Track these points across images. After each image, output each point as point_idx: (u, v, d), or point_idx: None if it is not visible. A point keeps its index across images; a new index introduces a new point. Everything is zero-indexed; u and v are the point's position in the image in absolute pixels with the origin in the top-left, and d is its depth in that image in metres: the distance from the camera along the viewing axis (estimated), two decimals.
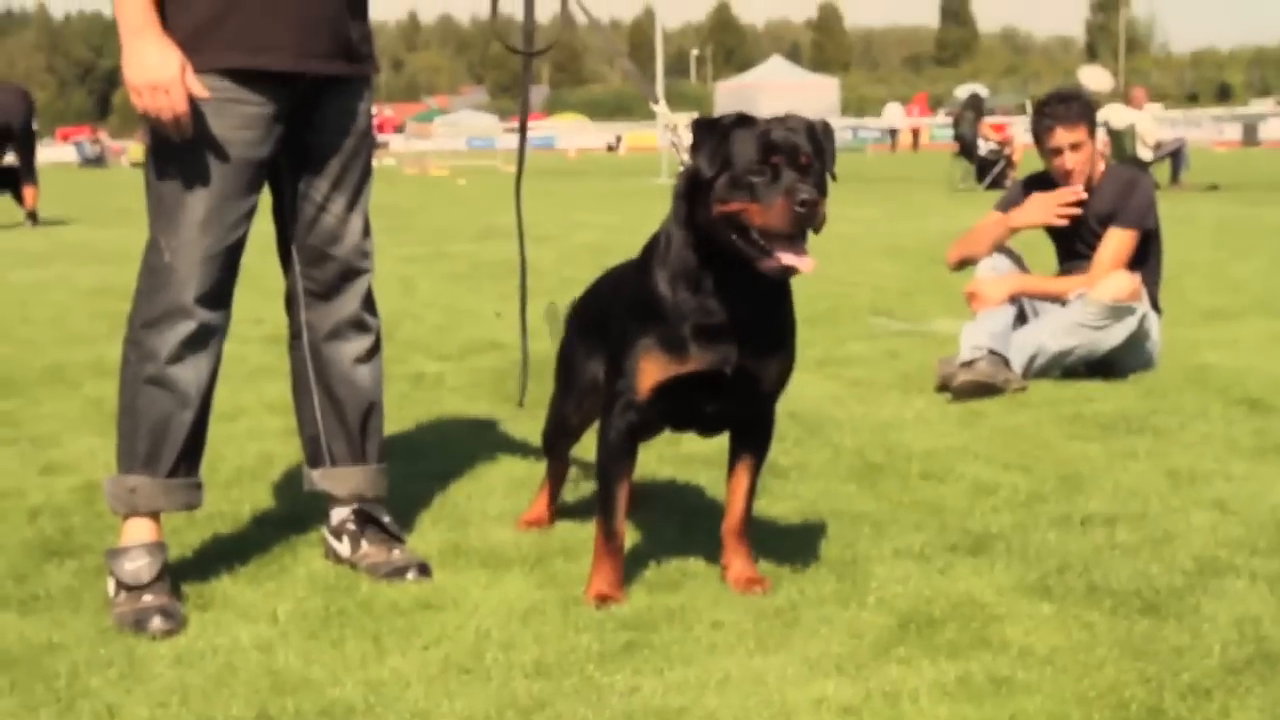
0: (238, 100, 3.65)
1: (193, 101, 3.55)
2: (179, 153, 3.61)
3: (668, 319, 3.55)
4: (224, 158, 3.64)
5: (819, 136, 3.52)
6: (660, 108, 4.20)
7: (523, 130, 4.50)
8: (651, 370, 3.58)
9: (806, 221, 3.36)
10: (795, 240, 3.39)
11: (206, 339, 3.71)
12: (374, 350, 4.05)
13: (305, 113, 3.80)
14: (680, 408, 3.69)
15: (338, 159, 3.89)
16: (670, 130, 3.94)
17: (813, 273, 3.45)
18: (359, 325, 4.00)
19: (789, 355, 3.72)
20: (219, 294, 3.72)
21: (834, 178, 3.54)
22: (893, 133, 59.53)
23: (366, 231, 3.98)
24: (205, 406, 3.78)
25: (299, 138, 3.82)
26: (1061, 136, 6.73)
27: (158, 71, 3.51)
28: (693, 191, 3.50)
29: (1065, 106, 6.82)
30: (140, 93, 3.52)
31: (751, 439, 3.80)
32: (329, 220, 3.90)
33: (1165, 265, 7.07)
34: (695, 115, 3.70)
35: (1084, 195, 6.70)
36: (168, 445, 3.70)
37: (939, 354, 6.69)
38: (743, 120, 3.49)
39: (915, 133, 58.13)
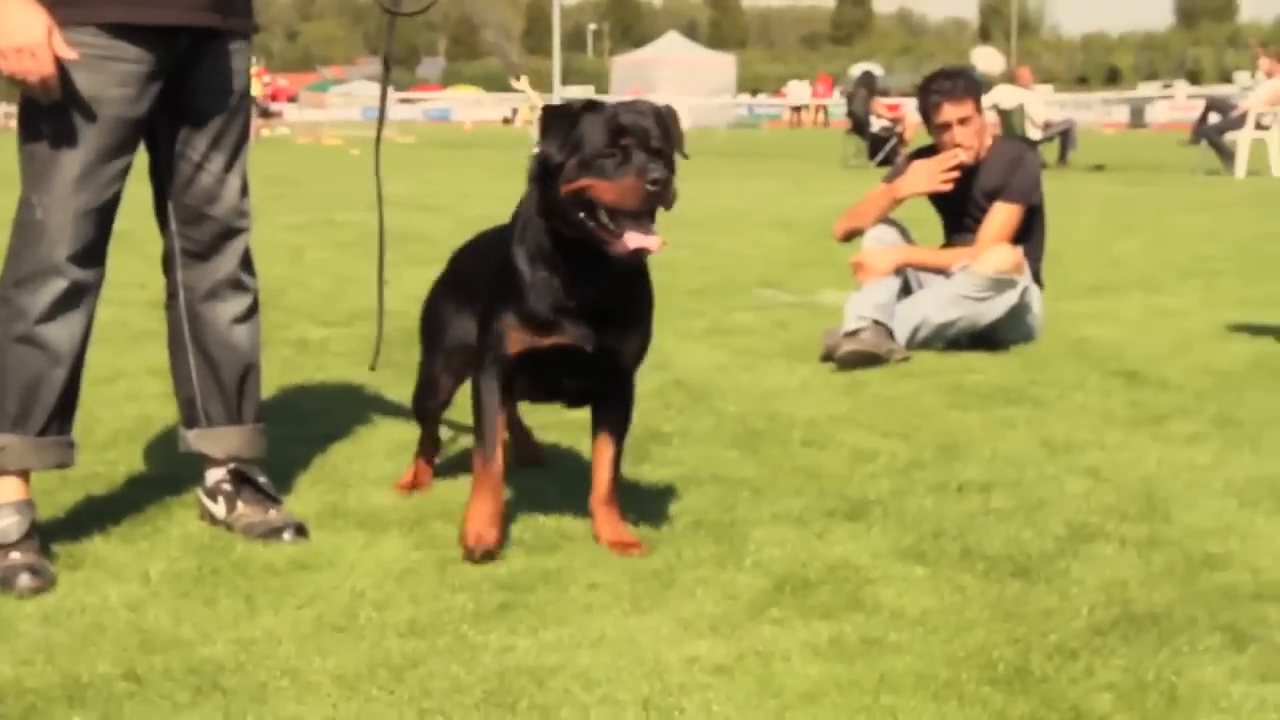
0: (114, 57, 3.58)
1: (66, 58, 3.49)
2: (52, 110, 3.53)
3: (528, 297, 3.65)
4: (98, 115, 3.57)
5: (666, 120, 3.58)
6: (522, 84, 4.22)
7: (383, 95, 4.56)
8: (514, 341, 3.68)
9: (658, 199, 3.44)
10: (643, 220, 3.47)
11: (79, 297, 3.64)
12: (251, 311, 4.00)
13: (184, 70, 3.74)
14: (540, 380, 3.83)
15: (217, 118, 3.83)
16: (530, 108, 3.94)
17: (659, 251, 3.49)
18: (236, 285, 3.95)
19: (645, 332, 3.83)
20: (92, 252, 3.65)
21: (685, 156, 3.62)
22: (797, 109, 59.87)
23: (244, 191, 3.93)
24: (78, 365, 3.71)
25: (177, 96, 3.75)
26: (949, 111, 6.77)
27: (22, 34, 3.41)
28: (545, 176, 3.58)
29: (951, 82, 6.87)
30: (5, 56, 3.42)
31: (612, 412, 3.86)
32: (206, 179, 3.84)
33: (1050, 241, 7.15)
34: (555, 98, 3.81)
35: (963, 159, 6.74)
36: (39, 404, 3.63)
37: (825, 325, 6.72)
38: (591, 106, 3.59)
39: (822, 109, 58.46)
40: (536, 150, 3.64)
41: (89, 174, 3.58)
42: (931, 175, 6.77)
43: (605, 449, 3.84)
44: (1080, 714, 2.73)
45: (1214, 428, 5.07)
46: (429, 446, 4.36)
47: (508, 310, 3.68)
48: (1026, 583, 3.46)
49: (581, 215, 3.50)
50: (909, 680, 2.88)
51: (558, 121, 3.56)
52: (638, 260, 3.56)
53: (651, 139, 3.49)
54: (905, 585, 3.45)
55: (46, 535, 3.66)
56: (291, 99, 66.76)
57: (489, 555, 3.63)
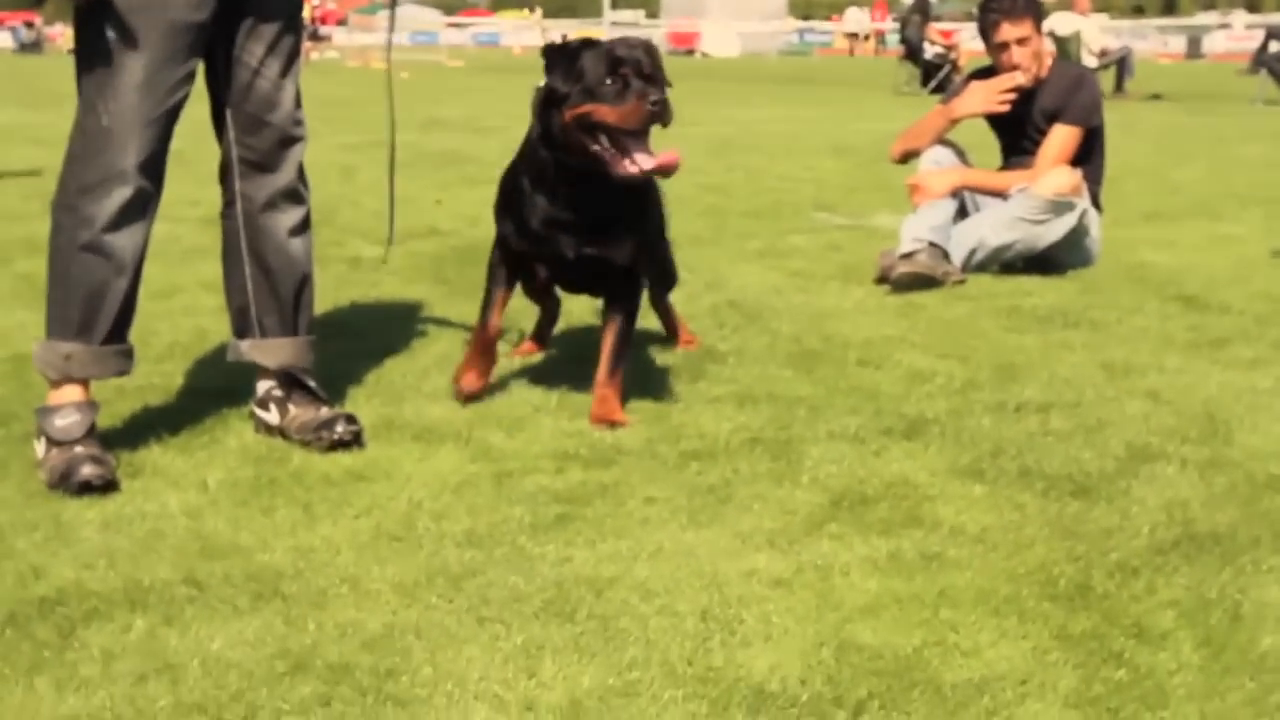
0: None
1: None
2: (115, 15, 3.52)
3: (524, 211, 4.14)
4: (163, 20, 3.56)
5: (655, 52, 4.01)
6: (536, 16, 4.43)
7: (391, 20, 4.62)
8: (508, 244, 4.24)
9: (658, 118, 3.84)
10: (643, 139, 3.90)
11: (143, 206, 3.64)
12: (307, 222, 4.01)
13: None
14: (540, 274, 4.35)
15: (273, 23, 3.82)
16: (542, 29, 4.19)
17: (677, 166, 3.93)
18: (293, 195, 3.95)
19: (636, 244, 4.21)
20: (156, 161, 3.65)
21: (670, 84, 3.98)
22: (853, 36, 59.20)
23: (299, 100, 3.93)
24: (138, 275, 3.72)
25: (234, 1, 3.74)
26: (1007, 31, 6.69)
27: None
28: (548, 108, 4.00)
29: (1011, 1, 6.79)
30: None
31: (614, 305, 4.26)
32: (264, 85, 3.84)
33: (1108, 168, 7.06)
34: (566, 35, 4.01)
35: (1023, 81, 6.67)
36: (103, 313, 3.65)
37: (880, 247, 6.68)
38: (589, 43, 4.00)
39: (879, 36, 57.67)
40: (541, 84, 4.04)
41: (153, 79, 3.57)
42: (988, 96, 6.71)
43: (607, 339, 4.21)
44: (1143, 630, 2.71)
45: (1275, 352, 5.02)
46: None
47: (507, 219, 4.22)
48: (1086, 502, 3.44)
49: (585, 139, 3.91)
50: (969, 595, 2.87)
51: (561, 57, 3.97)
52: (650, 178, 4.00)
53: (644, 68, 3.89)
54: (964, 503, 3.44)
55: (106, 443, 3.67)
56: (340, 22, 66.61)
57: (472, 397, 4.23)
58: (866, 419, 4.14)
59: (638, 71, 3.89)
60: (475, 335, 4.31)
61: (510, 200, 4.22)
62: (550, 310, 4.98)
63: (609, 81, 3.88)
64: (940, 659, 2.60)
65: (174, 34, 3.58)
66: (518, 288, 4.44)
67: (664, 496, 3.47)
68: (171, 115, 3.65)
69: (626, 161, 3.89)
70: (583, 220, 4.09)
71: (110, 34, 3.54)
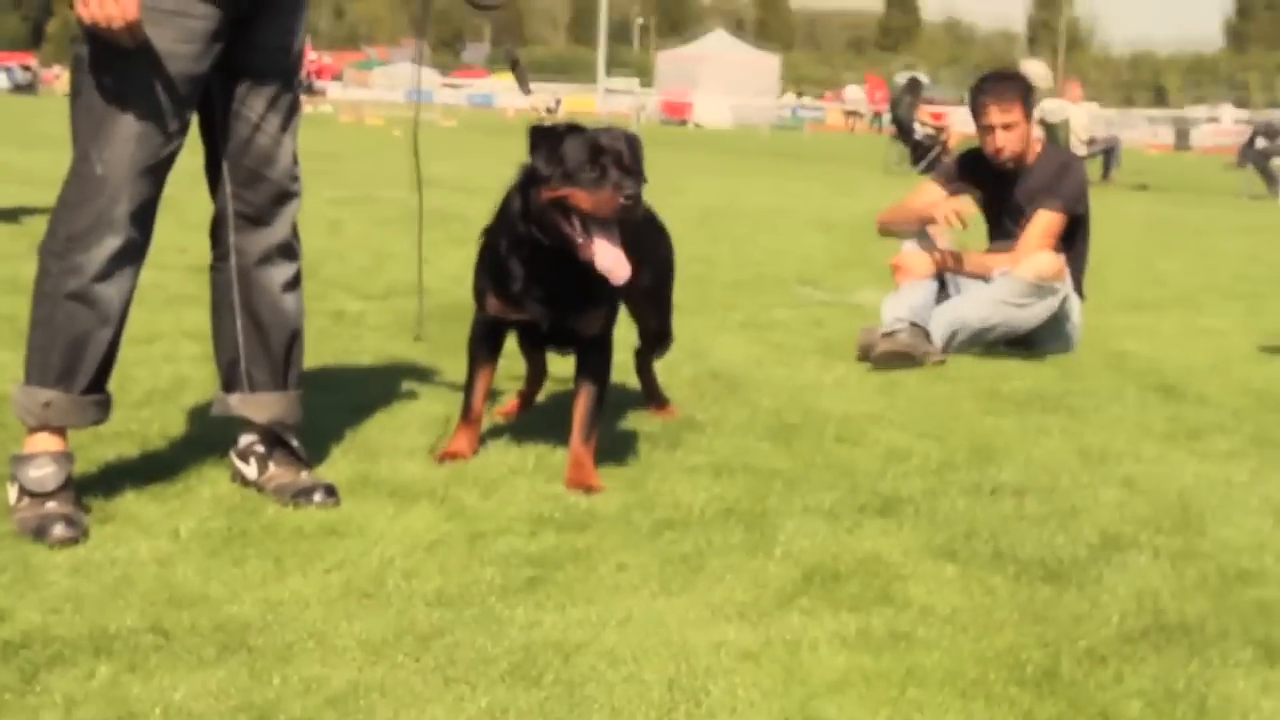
0: (181, 13, 3.57)
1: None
2: (117, 64, 3.52)
3: (501, 278, 4.25)
4: (163, 70, 3.56)
5: (636, 145, 4.09)
6: (531, 99, 4.54)
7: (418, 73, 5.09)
8: (487, 308, 4.34)
9: (629, 212, 3.97)
10: (611, 229, 4.01)
11: (131, 256, 3.63)
12: (299, 278, 4.01)
13: (245, 28, 3.74)
14: (521, 336, 4.52)
15: (275, 79, 3.83)
16: (541, 110, 4.30)
17: (624, 279, 4.00)
18: (288, 251, 3.95)
19: (604, 313, 4.32)
20: (147, 211, 3.64)
21: (645, 180, 4.07)
22: (852, 114, 59.36)
23: (297, 156, 3.93)
24: (122, 325, 3.70)
25: (236, 54, 3.75)
26: (995, 115, 6.75)
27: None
28: (529, 186, 4.10)
29: (1002, 84, 6.86)
30: (87, 3, 3.40)
31: (585, 370, 4.34)
32: (264, 140, 3.84)
33: (1092, 255, 7.12)
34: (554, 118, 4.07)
35: (956, 227, 6.64)
36: (85, 362, 3.63)
37: (862, 324, 6.70)
38: (574, 129, 4.09)
39: (876, 114, 57.50)
40: (525, 162, 4.14)
41: (149, 129, 3.57)
42: (948, 211, 6.63)
43: (580, 404, 4.28)
44: (1109, 719, 2.71)
45: (1252, 446, 5.04)
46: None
47: (487, 281, 4.32)
48: (1058, 587, 3.44)
49: (559, 220, 4.02)
50: (936, 676, 2.86)
51: (546, 139, 4.05)
52: (610, 278, 4.02)
53: (625, 159, 3.99)
54: (935, 583, 3.43)
55: (79, 489, 3.66)
56: (336, 77, 66.91)
57: (457, 458, 4.29)
58: (842, 495, 4.14)
59: (617, 162, 3.98)
60: (460, 419, 4.39)
61: (488, 262, 4.32)
62: (538, 369, 5.02)
63: (588, 169, 3.97)
64: None
65: (174, 85, 3.59)
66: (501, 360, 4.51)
67: (636, 564, 3.46)
68: (165, 165, 3.65)
69: (588, 246, 3.99)
70: (556, 290, 4.19)
71: (108, 82, 3.54)
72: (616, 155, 4.00)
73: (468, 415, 4.38)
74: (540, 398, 5.07)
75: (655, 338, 5.10)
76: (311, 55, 42.02)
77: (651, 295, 4.93)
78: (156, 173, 3.63)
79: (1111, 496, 4.28)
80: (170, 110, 3.60)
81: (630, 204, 3.95)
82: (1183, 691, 2.85)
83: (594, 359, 4.34)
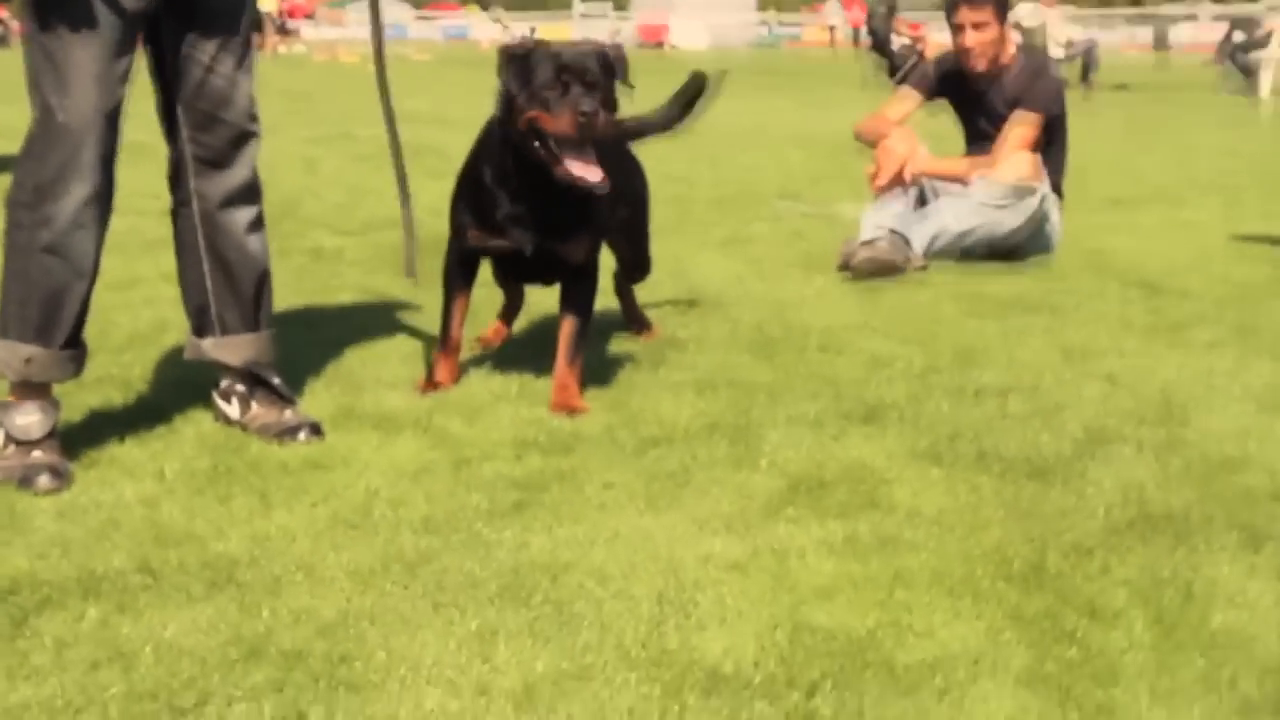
0: None
1: None
2: (65, 8, 3.47)
3: (483, 203, 4.21)
4: (109, 9, 3.50)
5: (607, 59, 4.06)
6: (497, 12, 4.37)
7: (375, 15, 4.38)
8: (467, 237, 4.30)
9: (587, 129, 3.92)
10: (582, 147, 3.98)
11: (101, 203, 3.58)
12: (262, 218, 3.96)
13: None
14: (500, 267, 4.57)
15: (224, 18, 3.76)
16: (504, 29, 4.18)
17: (600, 185, 3.95)
18: (250, 192, 3.89)
19: (589, 239, 4.29)
20: (110, 157, 3.59)
21: (631, 86, 4.11)
22: (832, 29, 58.88)
23: (254, 96, 3.87)
24: (94, 276, 3.65)
25: None
26: (965, 14, 6.71)
27: None
28: (506, 107, 4.08)
29: None
30: None
31: (570, 298, 4.32)
32: (218, 82, 3.77)
33: (1072, 158, 7.10)
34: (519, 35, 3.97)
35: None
36: (63, 316, 3.58)
37: (843, 236, 6.69)
38: (541, 47, 4.06)
39: (857, 28, 56.83)
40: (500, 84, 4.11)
41: (105, 72, 3.51)
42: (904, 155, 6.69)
43: (564, 329, 4.26)
44: (1096, 609, 2.72)
45: (1233, 335, 5.05)
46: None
47: (468, 211, 4.28)
48: (1043, 484, 3.45)
49: (535, 141, 4.00)
50: (924, 577, 2.88)
51: (514, 61, 4.04)
52: (577, 186, 3.97)
53: (588, 75, 3.96)
54: (921, 486, 3.44)
55: (64, 435, 3.65)
56: (309, 16, 66.44)
57: (439, 387, 4.29)
58: (826, 404, 4.14)
59: (580, 79, 3.95)
60: (438, 349, 4.38)
61: (469, 192, 4.27)
62: (515, 296, 5.02)
63: (552, 88, 3.96)
64: (894, 640, 2.60)
65: (119, 25, 3.53)
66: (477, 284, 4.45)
67: (622, 482, 3.46)
68: (118, 110, 3.59)
69: (560, 165, 3.97)
70: (541, 216, 4.15)
71: (61, 27, 3.48)
72: (580, 72, 3.96)
73: (446, 344, 4.36)
74: (522, 325, 5.05)
75: (633, 267, 5.08)
76: None
77: (628, 227, 4.88)
78: (114, 118, 3.57)
79: (1095, 392, 4.28)
80: (118, 51, 3.54)
81: (586, 120, 3.91)
82: (1169, 579, 2.86)
83: (578, 287, 4.32)
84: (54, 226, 3.52)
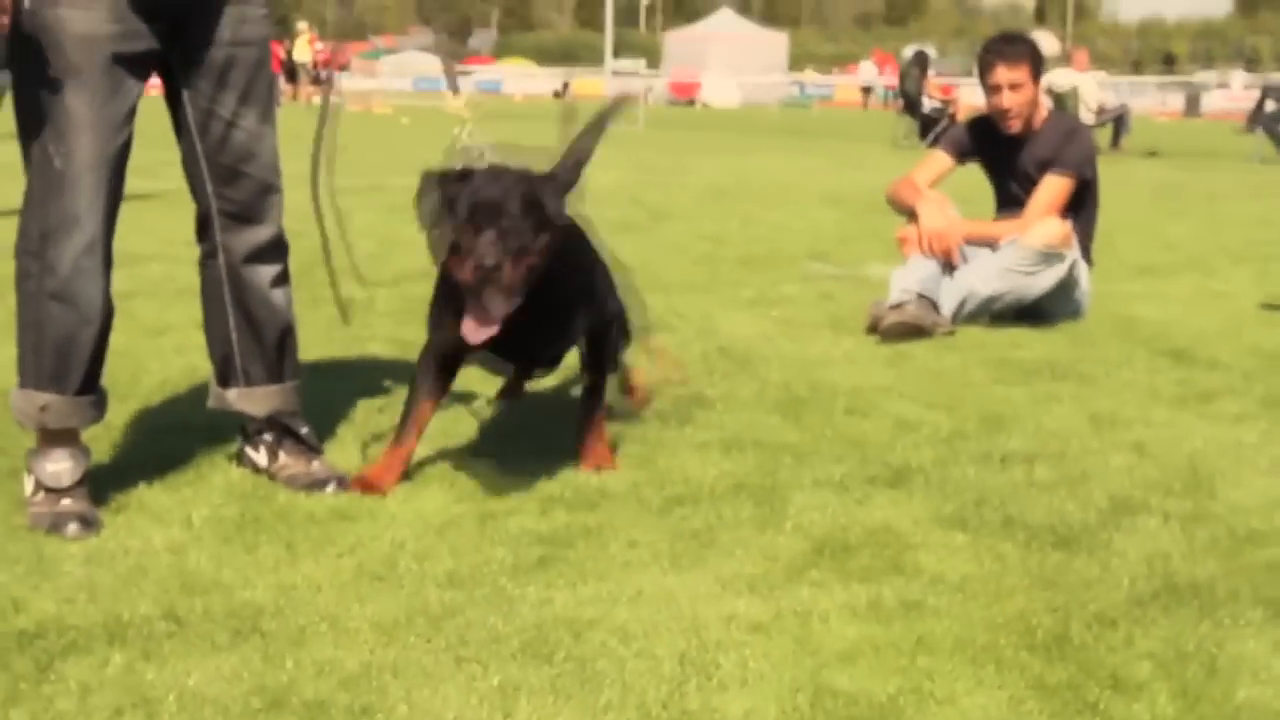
0: None
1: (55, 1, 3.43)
2: (50, 54, 3.44)
3: (452, 302, 3.77)
4: (96, 54, 3.47)
5: (534, 193, 3.67)
6: (457, 101, 4.18)
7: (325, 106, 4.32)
8: (438, 337, 3.93)
9: (490, 283, 3.56)
10: (491, 299, 3.61)
11: (102, 249, 3.57)
12: (288, 272, 3.97)
13: (195, 22, 3.65)
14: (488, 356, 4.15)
15: (240, 71, 3.73)
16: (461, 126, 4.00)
17: (481, 345, 3.69)
18: (276, 247, 3.90)
19: (561, 337, 4.07)
20: (112, 201, 3.57)
21: (557, 223, 3.70)
22: (866, 90, 59.01)
23: (276, 149, 3.86)
24: (107, 321, 3.64)
25: (194, 50, 3.67)
26: (1002, 74, 6.73)
27: None
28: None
29: (1010, 45, 6.86)
30: None
31: (587, 360, 4.21)
32: (241, 136, 3.76)
33: (1101, 222, 7.10)
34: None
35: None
36: (74, 363, 3.59)
37: (871, 297, 6.70)
38: (464, 176, 3.72)
39: (890, 89, 56.80)
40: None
41: (99, 118, 3.49)
42: (945, 225, 6.69)
43: (586, 386, 4.18)
44: (1119, 681, 2.71)
45: (1261, 408, 5.03)
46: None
47: (438, 311, 3.93)
48: (1068, 553, 3.45)
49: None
50: (947, 643, 2.87)
51: (440, 186, 3.72)
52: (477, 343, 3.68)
53: (505, 216, 3.59)
54: (945, 552, 3.44)
55: (93, 480, 3.67)
56: (343, 68, 66.83)
57: (373, 490, 3.80)
58: (852, 467, 4.15)
59: (491, 219, 3.59)
60: (389, 448, 3.96)
61: (445, 289, 3.92)
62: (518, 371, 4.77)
63: (466, 228, 3.62)
64: (915, 706, 2.60)
65: (110, 68, 3.50)
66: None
67: (646, 540, 3.47)
68: (120, 155, 3.58)
69: (465, 320, 3.66)
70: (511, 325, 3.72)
71: (48, 74, 3.45)
72: (493, 211, 3.60)
73: (398, 443, 3.92)
74: (549, 380, 5.04)
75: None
76: (319, 46, 41.91)
77: (593, 343, 4.25)
78: (114, 163, 3.55)
79: (1121, 461, 4.28)
80: (116, 95, 3.52)
81: (483, 274, 3.55)
82: (1193, 652, 2.85)
83: (594, 348, 4.20)
84: (58, 273, 3.52)
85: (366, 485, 3.81)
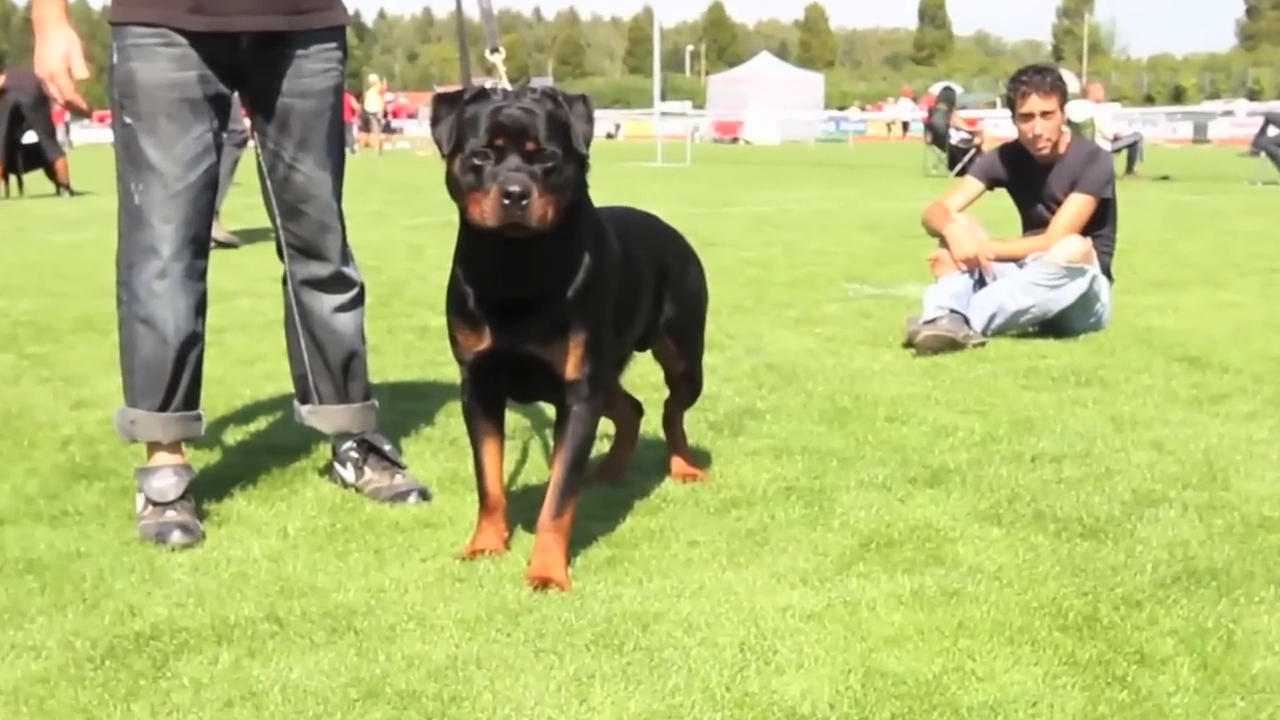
0: (165, 43, 3.59)
1: (129, 50, 3.57)
2: (131, 100, 3.58)
3: (460, 299, 3.26)
4: (163, 99, 3.58)
5: (560, 112, 3.04)
6: (496, 58, 3.57)
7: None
8: (459, 346, 3.35)
9: (515, 217, 2.94)
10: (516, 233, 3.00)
11: (179, 277, 3.63)
12: (355, 301, 3.98)
13: (260, 72, 3.72)
14: (502, 381, 3.36)
15: (298, 120, 3.77)
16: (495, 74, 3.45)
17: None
18: (338, 282, 3.92)
19: (576, 336, 3.23)
20: (186, 233, 3.63)
21: (584, 153, 3.09)
22: (905, 125, 58.88)
23: (338, 191, 3.87)
24: (188, 345, 3.68)
25: (261, 97, 3.76)
26: (1034, 102, 6.74)
27: (41, 66, 3.59)
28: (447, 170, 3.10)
29: (1041, 76, 6.87)
30: (43, 83, 3.61)
31: (562, 426, 3.31)
32: (299, 179, 3.81)
33: (1119, 241, 7.10)
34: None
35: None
36: (158, 382, 3.67)
37: (907, 315, 6.71)
38: (480, 95, 3.07)
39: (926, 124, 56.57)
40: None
41: (168, 156, 3.59)
42: (977, 247, 6.72)
43: (554, 471, 3.31)
44: (1145, 656, 2.72)
45: (1270, 406, 5.03)
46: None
47: (453, 313, 3.32)
48: (1095, 542, 3.45)
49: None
50: (985, 627, 2.88)
51: (443, 111, 3.08)
52: None
53: (529, 139, 2.97)
54: (982, 544, 3.45)
55: (199, 500, 3.72)
56: (411, 116, 67.18)
57: (484, 553, 3.35)
58: (893, 469, 4.16)
59: (518, 144, 2.96)
60: (479, 514, 3.45)
61: (450, 291, 3.32)
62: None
63: (484, 153, 2.98)
64: (958, 684, 2.61)
65: (178, 111, 3.59)
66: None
67: (706, 540, 3.49)
68: (197, 189, 3.64)
69: None
70: (509, 299, 3.20)
71: (128, 117, 3.59)
72: (519, 134, 2.96)
73: (485, 503, 3.41)
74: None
75: (683, 380, 3.98)
76: (388, 96, 42.16)
77: (679, 331, 3.86)
78: (189, 194, 3.62)
79: (1142, 458, 4.28)
80: (185, 134, 3.61)
81: (510, 206, 2.91)
82: (1212, 629, 2.86)
83: (573, 411, 3.28)
84: (140, 299, 3.63)
85: (477, 552, 3.36)
